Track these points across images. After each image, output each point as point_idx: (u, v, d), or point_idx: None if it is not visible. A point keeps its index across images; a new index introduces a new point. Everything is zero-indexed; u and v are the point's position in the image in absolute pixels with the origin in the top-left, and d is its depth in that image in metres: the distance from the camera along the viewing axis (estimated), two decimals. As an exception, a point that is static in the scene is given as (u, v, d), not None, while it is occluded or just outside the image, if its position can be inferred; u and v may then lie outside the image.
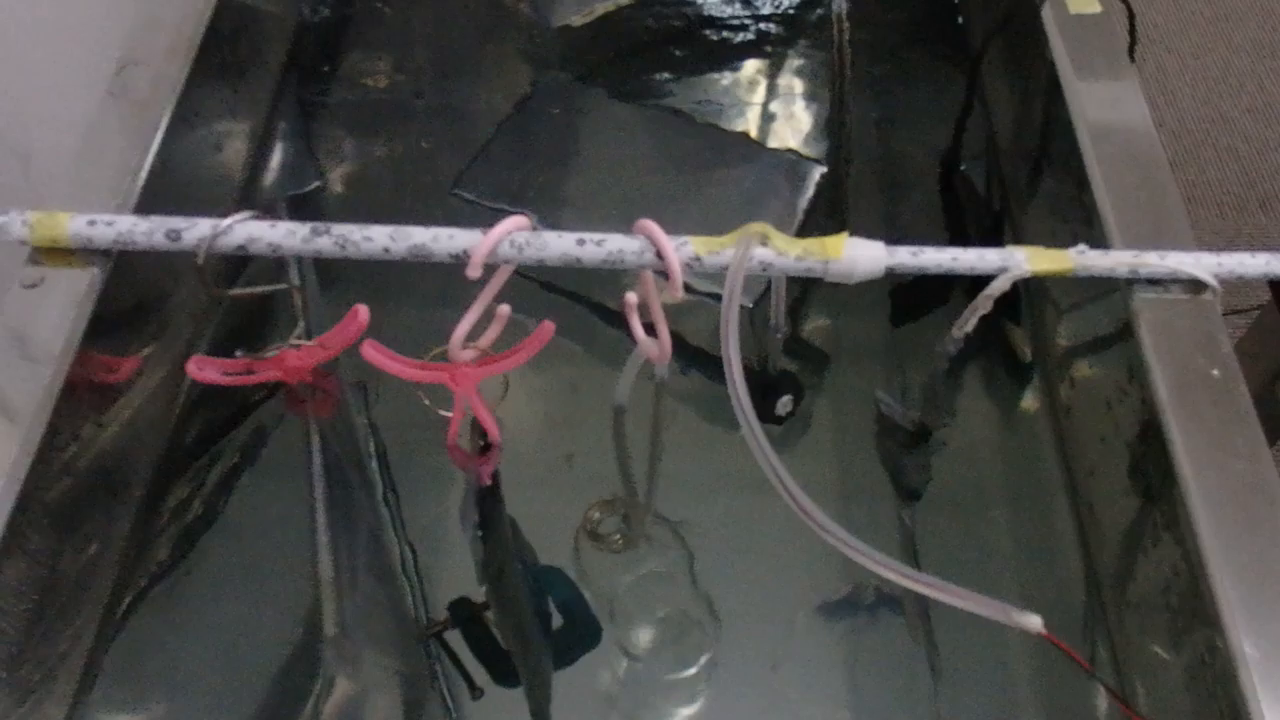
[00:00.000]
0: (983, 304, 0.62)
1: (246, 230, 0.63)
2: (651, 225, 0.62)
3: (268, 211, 0.88)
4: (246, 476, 0.77)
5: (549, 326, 0.58)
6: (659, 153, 0.96)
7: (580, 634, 0.66)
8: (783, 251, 0.63)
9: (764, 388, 0.77)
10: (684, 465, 0.75)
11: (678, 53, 1.04)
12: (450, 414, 0.62)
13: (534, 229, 0.63)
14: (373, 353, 0.60)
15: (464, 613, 0.66)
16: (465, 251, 0.62)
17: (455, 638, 0.67)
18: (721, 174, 0.94)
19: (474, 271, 0.59)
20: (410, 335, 0.81)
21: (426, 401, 0.63)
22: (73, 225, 0.64)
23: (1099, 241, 0.68)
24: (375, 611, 0.67)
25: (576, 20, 1.05)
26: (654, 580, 0.73)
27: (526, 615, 0.63)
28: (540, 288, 0.84)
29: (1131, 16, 0.79)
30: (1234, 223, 1.81)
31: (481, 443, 0.62)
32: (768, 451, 0.56)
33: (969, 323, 0.63)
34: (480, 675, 0.66)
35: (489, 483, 0.59)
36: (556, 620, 0.66)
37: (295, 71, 1.00)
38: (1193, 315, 0.64)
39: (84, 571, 0.66)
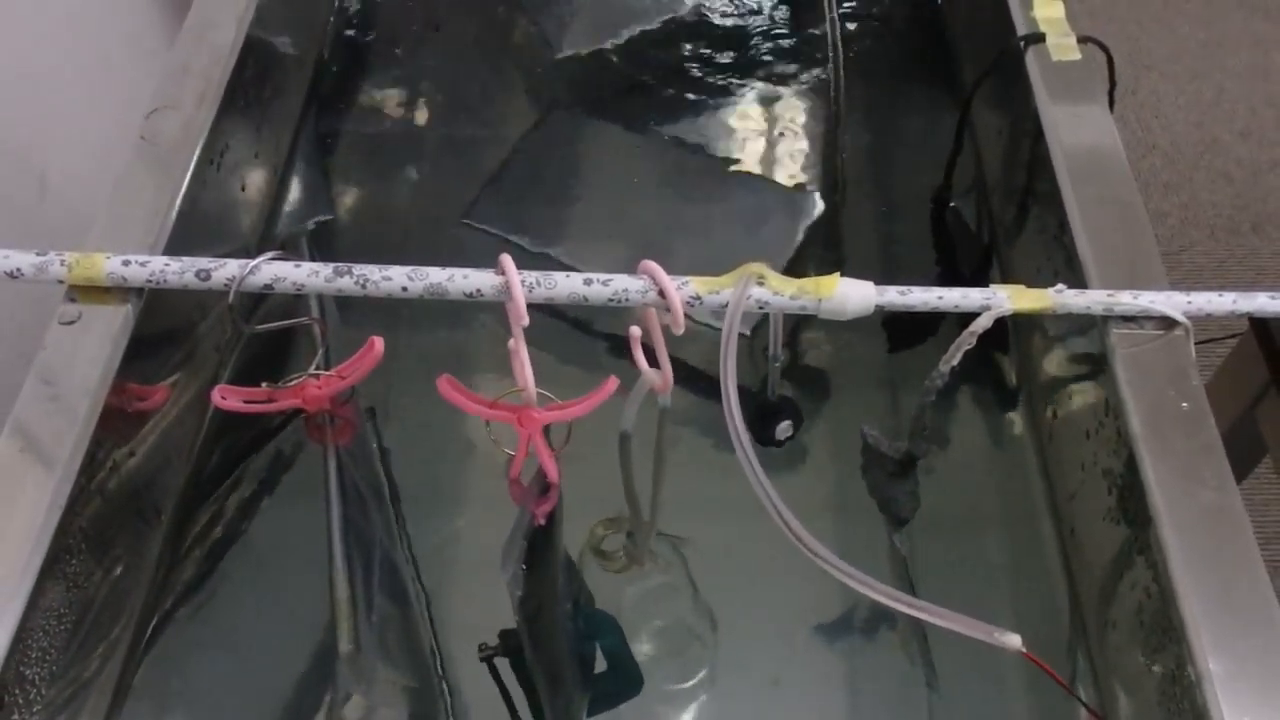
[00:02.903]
0: (966, 340, 0.65)
1: (272, 270, 0.67)
2: (654, 266, 0.65)
3: (290, 244, 0.92)
4: (269, 499, 0.79)
5: (614, 381, 0.61)
6: (662, 182, 0.99)
7: (622, 683, 0.67)
8: (778, 290, 0.66)
9: (764, 413, 0.79)
10: (687, 486, 0.77)
11: (680, 86, 1.06)
12: (513, 452, 0.65)
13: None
14: (449, 389, 0.62)
15: (514, 642, 0.66)
16: (478, 290, 0.65)
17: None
18: (723, 203, 0.97)
19: (524, 320, 0.61)
20: (422, 358, 0.85)
21: (493, 438, 0.66)
22: (108, 265, 0.67)
23: (1078, 279, 0.71)
24: (389, 630, 0.69)
25: (582, 52, 1.08)
26: (657, 595, 0.74)
27: (561, 655, 0.64)
28: (549, 317, 0.86)
29: (1111, 63, 0.82)
30: (1226, 245, 1.84)
31: (542, 484, 0.64)
32: (762, 478, 0.59)
33: (955, 357, 0.66)
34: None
35: (543, 523, 0.62)
36: (600, 665, 0.67)
37: (313, 108, 1.03)
38: (1165, 351, 0.67)
39: (116, 593, 0.68)
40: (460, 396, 0.62)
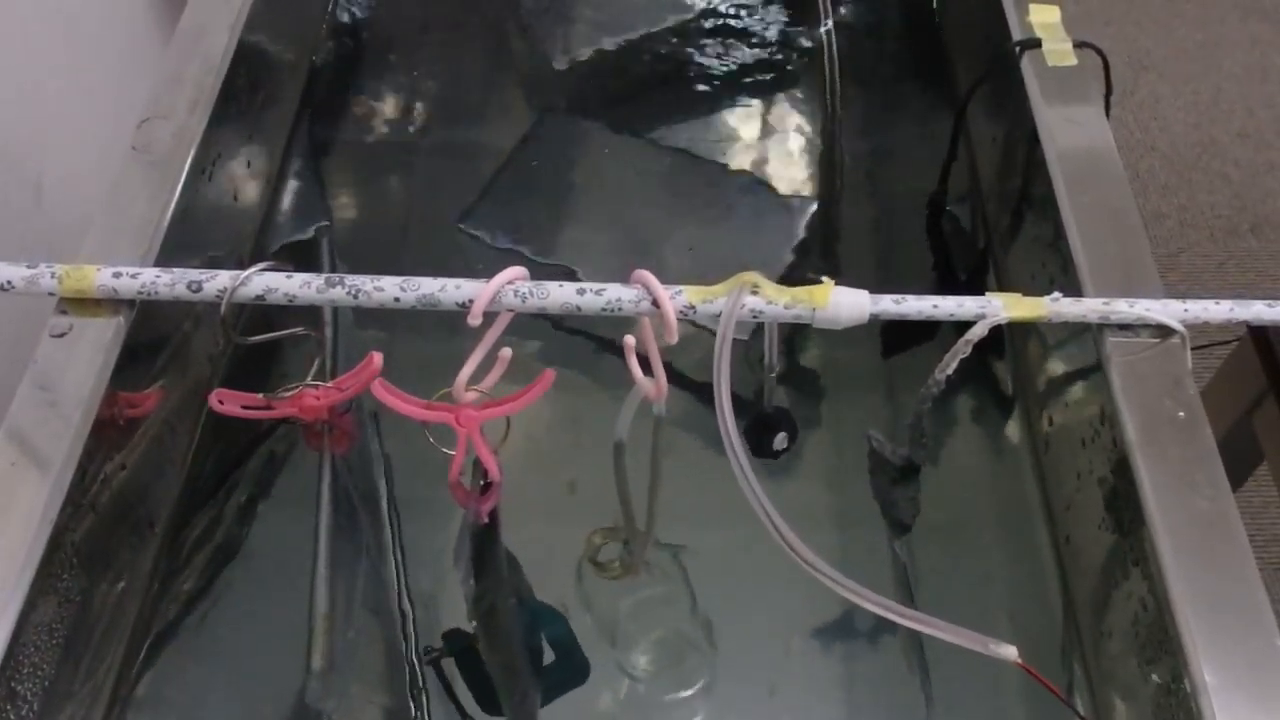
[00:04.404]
0: (962, 349, 0.65)
1: (264, 281, 0.66)
2: (648, 275, 0.65)
3: (303, 248, 0.91)
4: (264, 506, 0.79)
5: (550, 375, 0.61)
6: (658, 188, 0.99)
7: (570, 671, 0.68)
8: (772, 300, 0.66)
9: (760, 425, 0.79)
10: (683, 493, 0.77)
11: (676, 91, 1.06)
12: (454, 453, 0.65)
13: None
14: (383, 392, 0.62)
15: (458, 643, 0.68)
16: (471, 300, 0.65)
17: (447, 665, 0.69)
18: (719, 209, 0.96)
19: (474, 320, 0.62)
20: (423, 362, 0.85)
21: (431, 440, 0.66)
22: (99, 277, 0.67)
23: (1074, 287, 0.71)
24: (367, 645, 0.69)
25: (577, 58, 1.08)
26: (654, 604, 0.74)
27: (516, 650, 0.65)
28: (543, 321, 0.86)
29: (1107, 69, 0.82)
30: (1224, 246, 1.84)
31: (482, 482, 0.64)
32: (757, 490, 0.59)
33: (950, 366, 0.66)
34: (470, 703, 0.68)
35: (487, 521, 0.62)
36: (548, 656, 0.68)
37: (307, 114, 1.02)
38: (1161, 359, 0.67)
39: (110, 606, 0.68)
40: (393, 398, 0.62)
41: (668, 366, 0.62)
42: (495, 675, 0.64)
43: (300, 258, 0.92)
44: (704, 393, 0.83)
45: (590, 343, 0.87)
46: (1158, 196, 1.90)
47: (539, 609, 0.69)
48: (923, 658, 0.71)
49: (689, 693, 0.71)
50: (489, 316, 0.63)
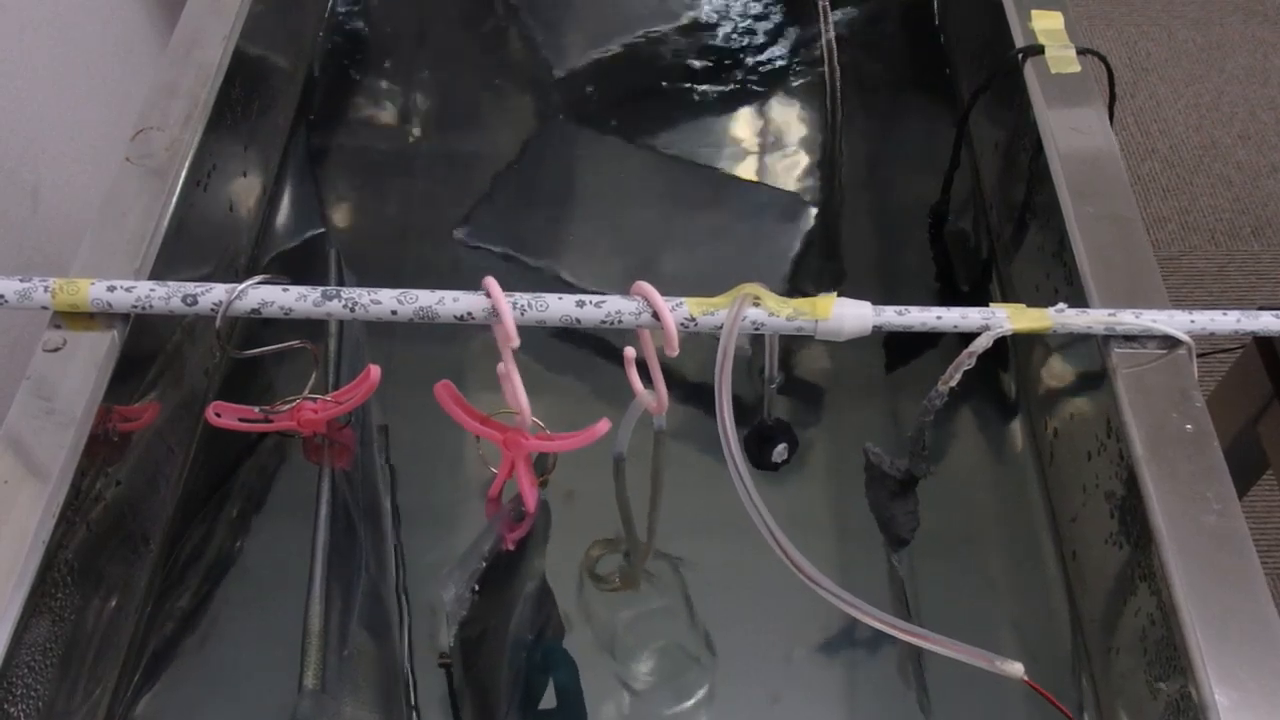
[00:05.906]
0: (965, 361, 0.64)
1: (260, 294, 0.66)
2: (648, 288, 0.65)
3: (308, 260, 0.90)
4: (258, 520, 0.78)
5: (605, 424, 0.60)
6: (659, 194, 0.99)
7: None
8: (774, 312, 0.65)
9: (760, 437, 0.79)
10: (684, 502, 0.76)
11: (676, 98, 1.06)
12: (496, 470, 0.64)
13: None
14: (444, 395, 0.61)
15: None
16: (469, 313, 0.64)
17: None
18: (719, 215, 0.96)
19: (514, 342, 0.61)
20: (421, 369, 0.84)
21: (480, 453, 0.65)
22: (93, 291, 0.66)
23: (1079, 297, 0.71)
24: (362, 665, 0.68)
25: (578, 64, 1.08)
26: (654, 616, 0.74)
27: (497, 683, 0.64)
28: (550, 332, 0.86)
29: (1111, 75, 0.81)
30: (1226, 249, 1.83)
31: (518, 510, 0.64)
32: (759, 504, 0.59)
33: (953, 378, 0.65)
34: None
35: (511, 548, 0.61)
36: (549, 700, 0.67)
37: (304, 124, 1.02)
38: (1167, 371, 0.66)
39: (105, 625, 0.68)
40: (455, 407, 0.62)
41: (671, 374, 0.62)
42: (466, 701, 0.63)
43: (304, 269, 0.91)
44: (708, 400, 0.82)
45: (591, 349, 0.87)
46: (1159, 199, 1.90)
47: (555, 650, 0.68)
48: (920, 671, 0.71)
49: (689, 704, 0.71)
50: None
